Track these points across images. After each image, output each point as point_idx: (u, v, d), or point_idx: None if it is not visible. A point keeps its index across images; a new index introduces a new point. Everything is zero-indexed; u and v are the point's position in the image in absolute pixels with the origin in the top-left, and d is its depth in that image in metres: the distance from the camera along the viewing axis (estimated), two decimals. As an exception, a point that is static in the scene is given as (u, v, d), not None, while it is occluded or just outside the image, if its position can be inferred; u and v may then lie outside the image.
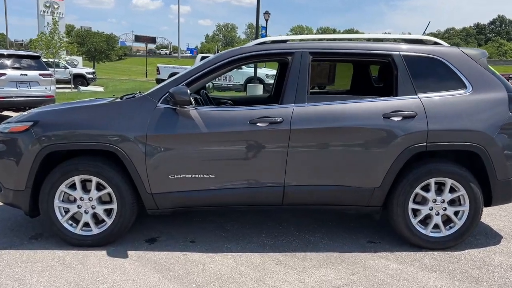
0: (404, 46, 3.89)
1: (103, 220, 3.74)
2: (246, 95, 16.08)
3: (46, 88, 11.32)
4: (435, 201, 3.74)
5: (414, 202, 3.77)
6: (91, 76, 28.92)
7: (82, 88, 24.62)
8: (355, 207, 3.82)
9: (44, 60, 22.65)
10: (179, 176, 3.63)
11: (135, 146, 3.55)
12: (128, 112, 3.64)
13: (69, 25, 55.07)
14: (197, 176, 3.64)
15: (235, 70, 18.86)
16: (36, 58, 11.62)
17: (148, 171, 3.60)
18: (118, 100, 3.92)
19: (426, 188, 3.75)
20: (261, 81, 18.42)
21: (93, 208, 3.70)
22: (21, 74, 10.81)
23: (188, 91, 3.52)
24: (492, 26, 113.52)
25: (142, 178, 3.62)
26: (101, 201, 3.72)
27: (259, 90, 16.42)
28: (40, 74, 11.23)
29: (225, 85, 19.38)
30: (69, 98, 18.00)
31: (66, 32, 38.36)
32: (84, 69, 30.51)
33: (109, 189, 3.66)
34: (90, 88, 26.12)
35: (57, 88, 22.92)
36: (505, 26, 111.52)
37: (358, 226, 4.32)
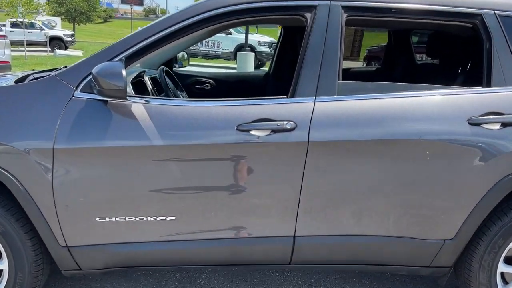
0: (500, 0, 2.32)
1: (-13, 288, 2.22)
2: (236, 71, 14.37)
3: (-2, 52, 9.55)
4: (540, 261, 2.27)
5: (505, 262, 2.30)
6: (69, 38, 26.74)
7: (58, 51, 22.59)
8: (409, 267, 2.34)
9: (13, 20, 20.63)
10: (113, 218, 2.10)
11: (33, 167, 1.99)
12: (21, 105, 2.05)
13: (51, -16, 51.67)
14: (145, 219, 2.11)
15: (223, 35, 17.12)
16: (-14, 16, 9.79)
17: (58, 210, 2.06)
18: (12, 83, 2.30)
19: (525, 240, 2.27)
20: (252, 49, 16.63)
21: (-32, 268, 2.17)
22: (-34, 36, 9.04)
23: (124, 71, 1.92)
24: None
25: (48, 221, 2.07)
26: (-18, 256, 2.19)
27: (250, 59, 14.67)
28: (-10, 36, 9.45)
29: (213, 52, 17.48)
30: (38, 63, 16.12)
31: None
32: (61, 31, 28.23)
33: (-7, 239, 2.12)
34: (68, 52, 24.08)
35: (31, 51, 21.20)
36: None
37: (397, 281, 2.85)
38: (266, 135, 2.03)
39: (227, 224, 2.14)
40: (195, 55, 17.07)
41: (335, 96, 2.10)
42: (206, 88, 3.74)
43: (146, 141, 2.01)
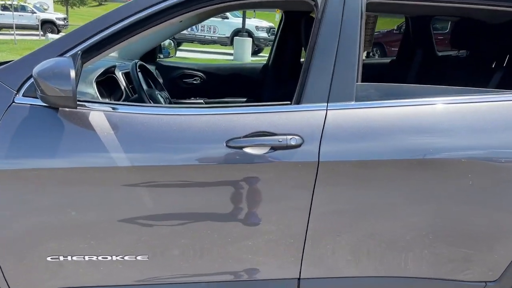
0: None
1: None
2: (233, 58, 13.83)
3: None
4: None
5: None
6: (62, 22, 25.99)
7: (50, 35, 21.87)
8: (439, 313, 1.90)
9: (3, 2, 19.94)
10: (69, 257, 1.65)
11: (-38, 195, 1.54)
12: None
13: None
14: (110, 258, 1.66)
15: (219, 19, 16.49)
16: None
17: (-3, 248, 1.61)
18: None
19: None
20: (250, 34, 16.03)
21: None
22: None
23: (73, 72, 1.44)
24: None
25: (-15, 261, 1.63)
26: None
27: (247, 44, 14.14)
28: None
29: (209, 37, 16.85)
30: (27, 48, 15.50)
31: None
32: (54, 15, 27.47)
33: None
34: (60, 36, 23.39)
35: (22, 35, 20.54)
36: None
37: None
38: (264, 153, 1.57)
39: (214, 266, 1.69)
40: (190, 40, 16.48)
41: (353, 103, 1.64)
42: (195, 82, 3.26)
43: (109, 161, 1.55)
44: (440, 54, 3.15)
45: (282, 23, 3.28)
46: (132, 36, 1.69)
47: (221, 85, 3.25)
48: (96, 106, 1.61)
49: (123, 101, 2.18)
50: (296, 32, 3.11)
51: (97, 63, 2.19)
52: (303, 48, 3.05)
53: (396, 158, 1.59)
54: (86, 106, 1.59)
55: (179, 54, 13.14)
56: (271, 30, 16.96)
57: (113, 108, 1.62)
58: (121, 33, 1.65)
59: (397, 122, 1.61)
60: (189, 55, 13.53)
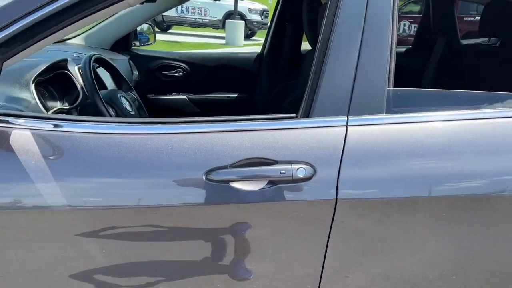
0: None
1: None
2: (224, 42, 13.27)
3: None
4: None
5: None
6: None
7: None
8: None
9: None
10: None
11: None
12: None
13: None
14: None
15: (210, 1, 15.81)
16: None
17: None
18: None
19: None
20: (242, 17, 15.39)
21: None
22: None
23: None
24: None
25: None
26: None
27: (240, 27, 13.54)
28: None
29: (200, 20, 16.13)
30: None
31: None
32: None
33: None
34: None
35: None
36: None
37: None
38: (260, 189, 1.11)
39: None
40: (180, 23, 15.81)
41: (383, 116, 1.17)
42: (176, 74, 2.76)
43: (33, 201, 1.09)
44: (465, 42, 2.69)
45: (279, 5, 2.77)
46: (78, 20, 1.19)
47: (208, 78, 2.77)
48: (21, 121, 1.13)
49: (78, 105, 1.69)
50: (297, 15, 2.62)
51: (42, 55, 1.72)
52: (304, 35, 2.57)
53: (449, 195, 1.13)
54: (8, 122, 1.12)
55: (168, 38, 12.53)
56: (265, 12, 16.37)
57: (52, 125, 1.15)
58: (59, 16, 1.16)
59: (447, 142, 1.15)
60: (179, 39, 12.94)
